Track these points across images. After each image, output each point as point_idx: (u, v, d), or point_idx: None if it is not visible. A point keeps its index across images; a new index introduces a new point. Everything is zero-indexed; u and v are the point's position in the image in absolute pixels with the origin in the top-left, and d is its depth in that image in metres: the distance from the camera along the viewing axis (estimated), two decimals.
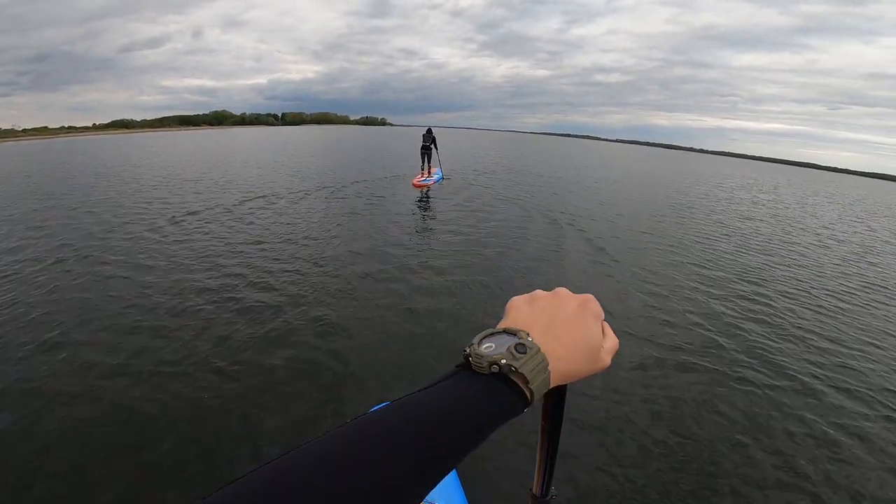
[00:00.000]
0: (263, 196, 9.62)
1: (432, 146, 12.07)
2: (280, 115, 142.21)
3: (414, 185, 11.56)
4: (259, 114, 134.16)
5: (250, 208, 8.30)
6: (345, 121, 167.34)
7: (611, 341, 0.37)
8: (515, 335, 0.33)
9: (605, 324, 0.38)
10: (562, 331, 0.34)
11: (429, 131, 12.13)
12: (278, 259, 5.43)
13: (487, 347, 0.32)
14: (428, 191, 11.24)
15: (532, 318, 0.35)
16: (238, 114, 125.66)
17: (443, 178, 12.65)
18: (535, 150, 40.34)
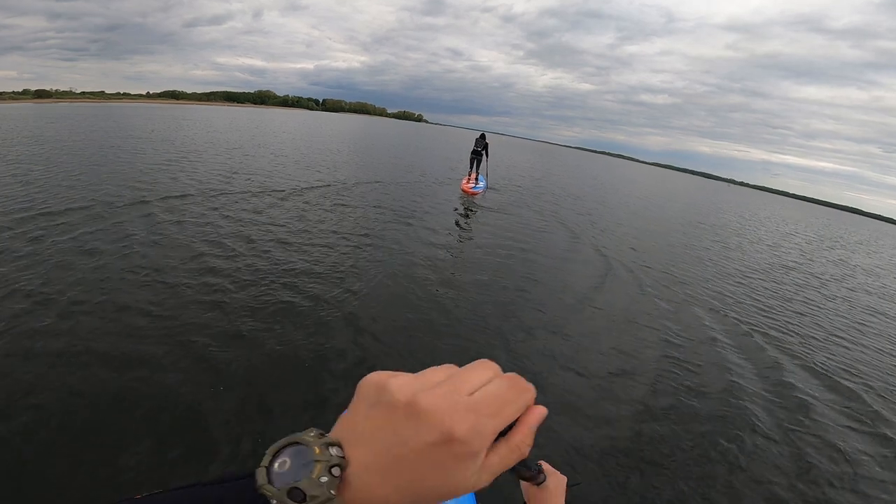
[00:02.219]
0: (294, 190, 9.40)
1: (483, 152, 11.80)
2: (321, 100, 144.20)
3: (462, 189, 11.44)
4: (301, 97, 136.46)
5: (273, 201, 8.10)
6: (382, 112, 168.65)
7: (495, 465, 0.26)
8: (324, 443, 0.25)
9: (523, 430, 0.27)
10: (395, 473, 0.24)
11: (482, 136, 11.77)
12: (307, 251, 5.36)
13: (280, 464, 0.25)
14: (473, 198, 10.96)
15: (362, 432, 0.26)
16: (281, 95, 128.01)
17: (487, 188, 12.33)
18: (574, 166, 39.41)
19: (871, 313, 7.04)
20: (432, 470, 0.24)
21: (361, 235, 6.23)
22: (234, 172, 9.69)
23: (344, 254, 5.34)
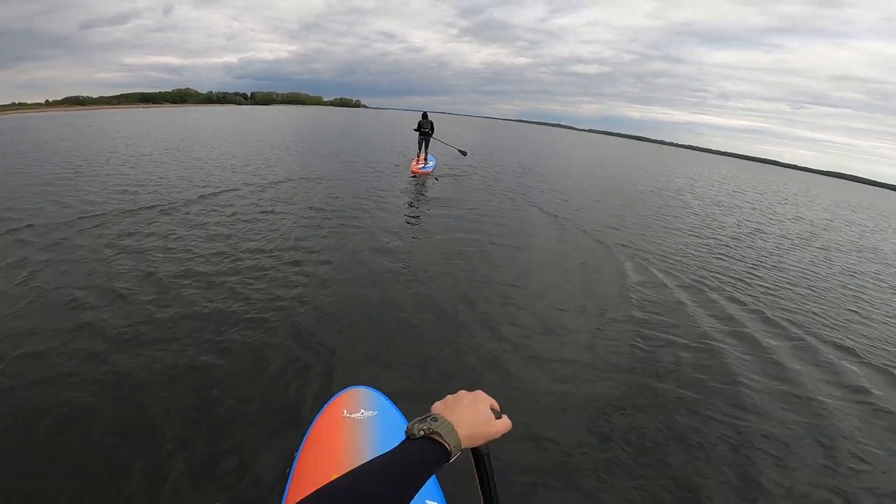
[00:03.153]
0: (233, 189, 8.41)
1: (429, 132, 11.50)
2: (249, 94, 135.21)
3: (412, 171, 11.19)
4: (227, 92, 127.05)
5: (213, 204, 7.14)
6: (318, 101, 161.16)
7: (502, 422, 0.60)
8: (431, 416, 0.55)
9: (503, 414, 0.61)
10: (461, 411, 0.57)
11: (424, 116, 11.48)
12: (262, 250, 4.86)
13: (417, 423, 0.54)
14: (425, 178, 10.67)
15: (444, 408, 0.58)
16: (204, 92, 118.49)
17: (465, 153, 13.04)
18: (519, 138, 39.61)
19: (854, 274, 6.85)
20: (472, 408, 0.58)
21: (302, 247, 5.16)
22: (140, 185, 8.04)
23: (280, 276, 4.28)
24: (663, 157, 41.39)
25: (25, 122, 27.69)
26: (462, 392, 0.61)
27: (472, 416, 0.57)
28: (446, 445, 0.52)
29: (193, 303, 3.60)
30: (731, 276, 5.68)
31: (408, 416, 1.83)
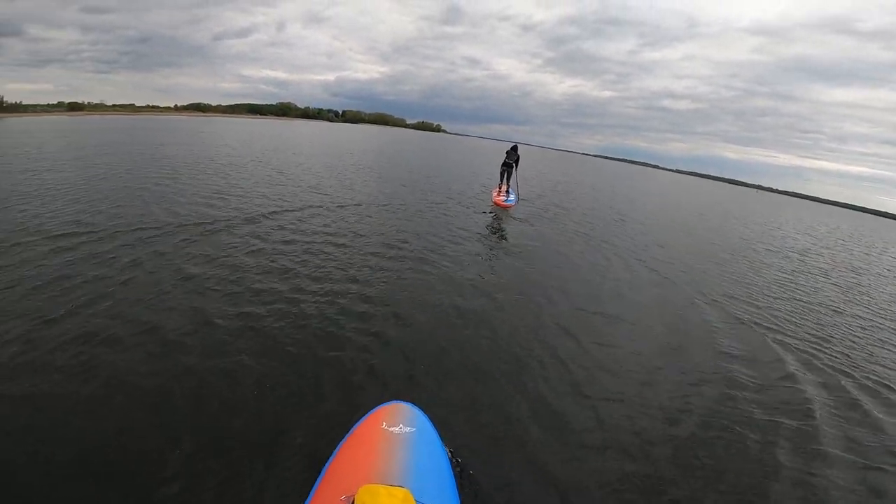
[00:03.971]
0: (312, 206, 8.16)
1: (514, 165, 11.10)
2: (341, 111, 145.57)
3: (495, 202, 10.81)
4: (321, 109, 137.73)
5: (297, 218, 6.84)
6: (401, 123, 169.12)
7: None
8: None
9: None
10: None
11: (514, 149, 11.22)
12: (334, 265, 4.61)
13: None
14: (505, 213, 10.02)
15: None
16: (302, 107, 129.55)
17: (518, 200, 11.29)
18: (599, 175, 37.63)
19: None
20: None
21: (372, 267, 5.20)
22: (223, 196, 8.25)
23: (346, 293, 4.33)
24: (767, 206, 36.90)
25: (152, 124, 31.48)
26: None
27: None
28: None
29: (257, 314, 3.72)
30: None
31: (443, 436, 1.96)
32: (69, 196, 7.12)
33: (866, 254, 15.03)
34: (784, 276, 8.33)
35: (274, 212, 7.29)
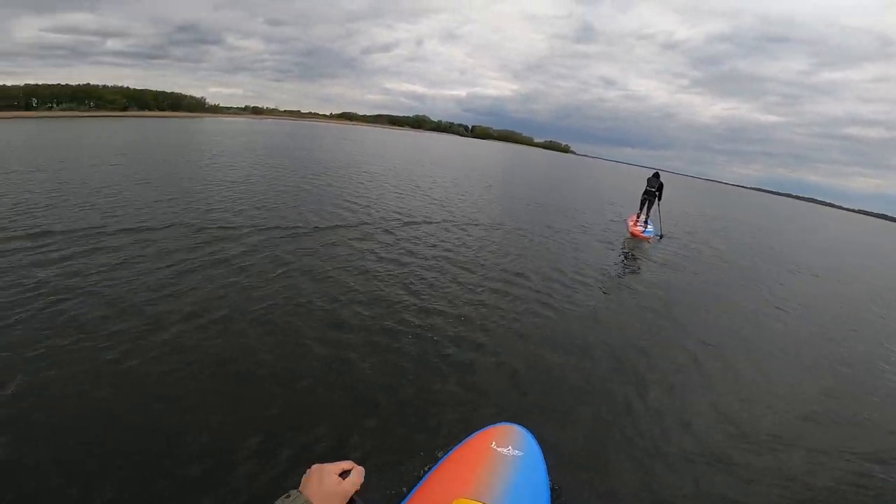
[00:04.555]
0: (433, 222, 7.94)
1: (658, 194, 10.00)
2: (470, 126, 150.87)
3: (631, 232, 9.75)
4: (452, 123, 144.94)
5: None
6: (529, 142, 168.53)
7: (349, 482, 0.68)
8: (289, 496, 0.65)
9: (354, 467, 0.71)
10: (311, 485, 0.67)
11: (656, 175, 10.28)
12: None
13: (280, 501, 0.64)
14: (643, 245, 8.95)
15: (303, 486, 0.68)
16: (435, 120, 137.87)
17: (661, 236, 9.93)
18: (762, 212, 31.63)
19: None
20: (333, 488, 0.67)
21: (511, 293, 4.87)
22: (353, 203, 8.73)
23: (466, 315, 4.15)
24: None
25: (309, 130, 36.09)
26: (313, 467, 0.71)
27: (318, 487, 0.66)
28: None
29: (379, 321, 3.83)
30: None
31: (549, 465, 1.91)
32: (226, 194, 8.03)
33: None
34: None
35: (401, 223, 7.36)
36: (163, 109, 58.11)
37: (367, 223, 6.97)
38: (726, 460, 2.67)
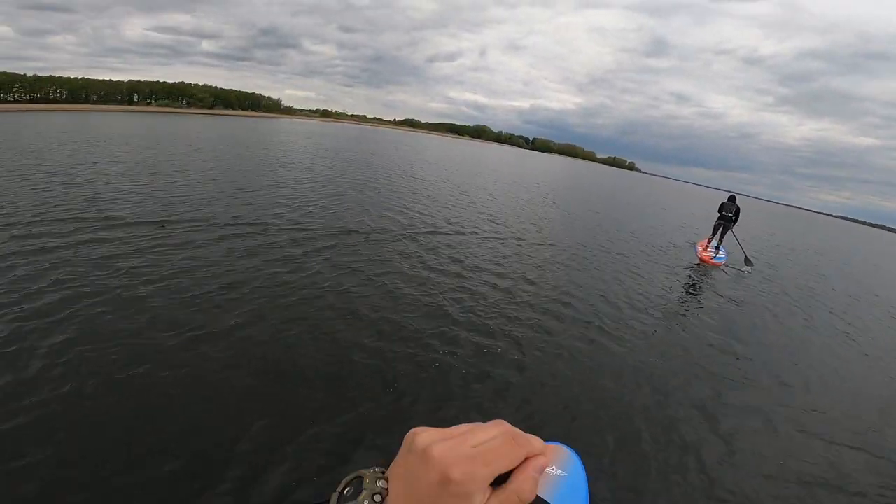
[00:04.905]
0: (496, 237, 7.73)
1: (734, 219, 9.39)
2: (531, 139, 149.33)
3: (701, 258, 9.16)
4: (512, 134, 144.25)
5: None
6: (590, 157, 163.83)
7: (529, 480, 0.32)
8: (370, 482, 0.33)
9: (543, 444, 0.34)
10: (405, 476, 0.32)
11: (731, 199, 9.67)
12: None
13: (346, 490, 0.34)
14: (714, 272, 8.40)
15: (395, 472, 0.34)
16: (496, 131, 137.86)
17: (751, 264, 9.17)
18: (858, 246, 28.04)
19: None
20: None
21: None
22: (408, 210, 8.77)
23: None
24: None
25: (373, 134, 37.40)
26: (436, 454, 0.31)
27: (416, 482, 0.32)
28: None
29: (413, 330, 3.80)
30: None
31: (594, 488, 1.87)
32: (286, 192, 8.35)
33: None
34: None
35: (449, 232, 7.23)
36: (244, 109, 63.24)
37: (416, 231, 6.93)
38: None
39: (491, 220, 9.06)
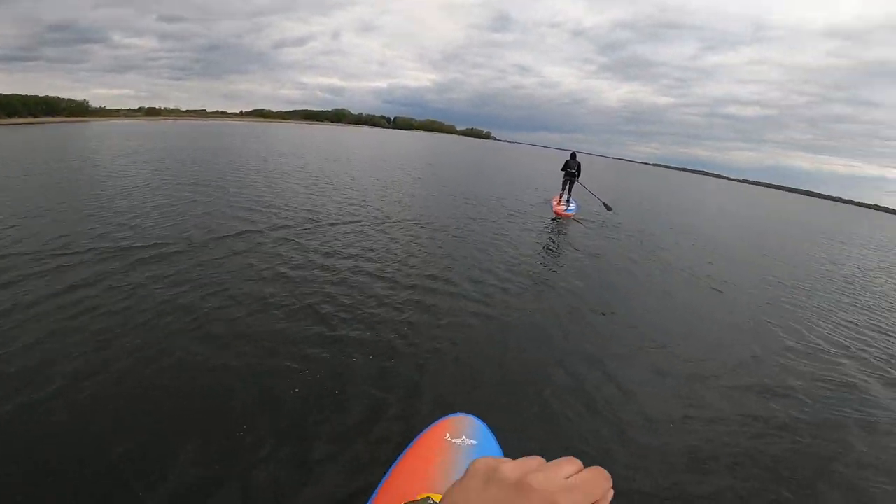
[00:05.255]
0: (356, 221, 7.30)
1: (576, 173, 10.60)
2: (392, 118, 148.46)
3: (554, 211, 10.37)
4: (373, 115, 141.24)
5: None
6: (451, 130, 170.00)
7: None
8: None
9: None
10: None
11: (573, 156, 10.77)
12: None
13: None
14: (568, 223, 9.57)
15: (474, 500, 0.32)
16: (355, 113, 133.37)
17: (609, 208, 11.08)
18: (665, 185, 34.64)
19: None
20: None
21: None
22: (263, 205, 7.79)
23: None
24: (843, 219, 32.07)
25: (217, 129, 32.77)
26: (536, 487, 0.31)
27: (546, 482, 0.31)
28: None
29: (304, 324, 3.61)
30: None
31: (505, 449, 1.90)
32: (115, 206, 6.71)
33: None
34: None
35: (315, 225, 6.56)
36: (36, 115, 49.71)
37: (274, 228, 6.12)
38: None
39: (358, 205, 8.54)
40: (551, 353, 3.55)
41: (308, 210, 7.57)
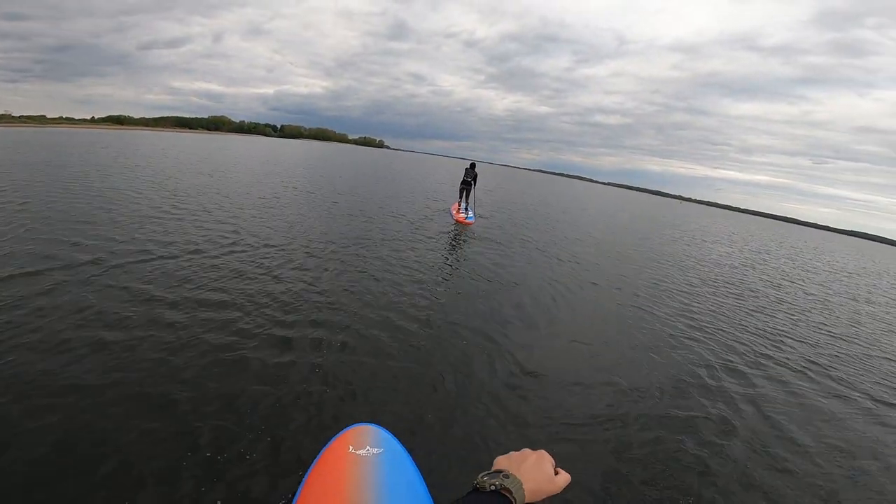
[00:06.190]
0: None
1: (473, 182, 11.04)
2: (279, 126, 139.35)
3: (455, 219, 10.79)
4: (258, 123, 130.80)
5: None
6: (343, 139, 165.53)
7: (562, 478, 0.65)
8: (502, 473, 0.61)
9: (560, 469, 0.66)
10: (527, 469, 0.62)
11: (472, 166, 11.23)
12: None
13: (488, 478, 0.60)
14: (467, 228, 10.04)
15: (510, 464, 0.64)
16: (237, 121, 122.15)
17: (475, 218, 11.50)
18: (542, 190, 37.99)
19: None
20: (537, 467, 0.63)
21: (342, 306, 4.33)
22: (103, 228, 6.40)
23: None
24: (680, 216, 39.45)
25: (58, 138, 26.76)
26: (527, 450, 0.67)
27: (537, 475, 0.62)
28: (513, 501, 0.57)
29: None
30: None
31: (413, 453, 1.90)
32: None
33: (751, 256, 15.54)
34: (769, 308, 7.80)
35: (156, 259, 5.48)
36: None
37: (89, 263, 4.74)
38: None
39: (234, 229, 7.28)
40: (460, 360, 3.67)
41: (154, 241, 5.83)
